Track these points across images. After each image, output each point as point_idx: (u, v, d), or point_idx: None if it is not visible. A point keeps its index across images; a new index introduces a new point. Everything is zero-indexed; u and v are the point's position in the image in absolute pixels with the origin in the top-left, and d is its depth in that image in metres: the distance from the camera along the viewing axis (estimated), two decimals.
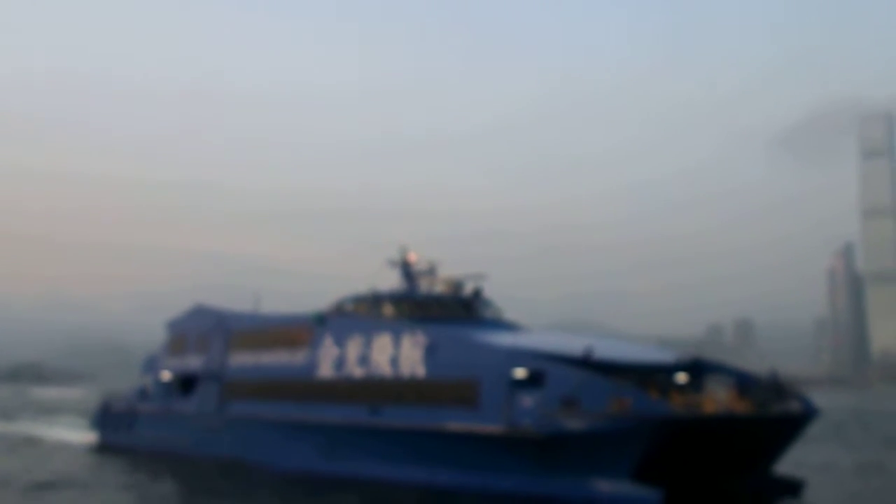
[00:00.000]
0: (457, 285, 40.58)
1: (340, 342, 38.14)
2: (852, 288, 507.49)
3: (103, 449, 52.25)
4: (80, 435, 57.59)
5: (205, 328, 47.60)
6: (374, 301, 39.68)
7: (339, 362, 37.83)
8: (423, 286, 41.40)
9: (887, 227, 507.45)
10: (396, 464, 34.40)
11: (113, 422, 53.41)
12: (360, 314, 39.51)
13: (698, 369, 32.83)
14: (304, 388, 39.43)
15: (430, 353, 33.98)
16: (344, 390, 37.32)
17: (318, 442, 38.01)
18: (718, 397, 30.09)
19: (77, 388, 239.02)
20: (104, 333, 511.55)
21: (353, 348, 37.33)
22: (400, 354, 35.14)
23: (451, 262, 42.35)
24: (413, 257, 41.98)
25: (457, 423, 31.87)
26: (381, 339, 36.22)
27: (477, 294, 40.49)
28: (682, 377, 32.30)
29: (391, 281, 42.33)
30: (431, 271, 41.54)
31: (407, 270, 41.59)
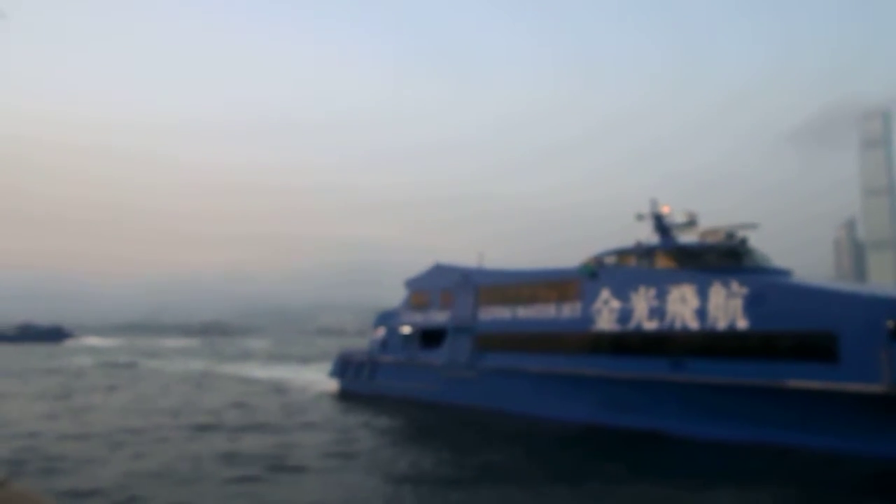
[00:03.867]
0: (728, 235, 30.56)
1: (622, 295, 28.66)
2: (854, 254, 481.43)
3: (345, 395, 44.39)
4: (321, 381, 50.27)
5: (448, 284, 38.81)
6: (644, 253, 30.05)
7: (623, 315, 28.37)
8: (682, 239, 31.53)
9: (883, 204, 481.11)
10: (706, 419, 24.94)
11: (353, 371, 45.38)
12: (630, 267, 30.05)
13: None
14: (578, 341, 30.18)
15: (754, 303, 24.14)
16: (631, 343, 27.94)
17: (598, 394, 28.79)
18: None
19: (254, 339, 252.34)
20: (269, 299, 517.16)
21: (642, 300, 27.80)
22: (708, 305, 25.47)
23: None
24: (666, 209, 32.06)
25: (805, 379, 22.10)
26: (679, 289, 26.54)
27: (744, 242, 30.39)
28: None
29: (638, 236, 32.73)
30: (692, 223, 31.58)
31: (660, 223, 31.64)
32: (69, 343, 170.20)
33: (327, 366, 52.32)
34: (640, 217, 32.60)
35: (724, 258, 28.46)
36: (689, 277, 26.33)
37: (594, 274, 30.12)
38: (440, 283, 39.51)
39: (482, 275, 36.84)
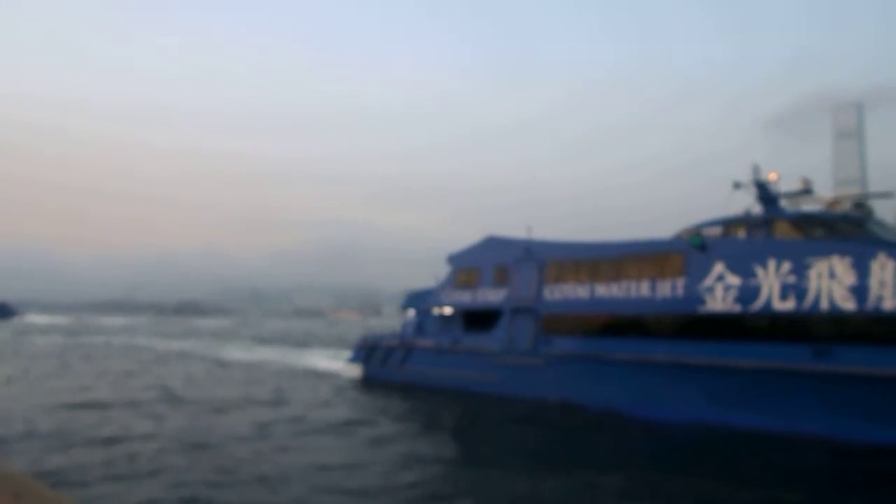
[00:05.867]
0: (856, 205, 26.14)
1: (742, 269, 23.92)
2: None
3: (369, 382, 39.34)
4: (336, 366, 45.10)
5: (504, 259, 33.77)
6: (760, 223, 25.46)
7: (744, 293, 23.64)
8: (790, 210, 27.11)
9: (855, 193, 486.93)
10: (865, 420, 20.49)
11: (380, 356, 40.25)
12: (752, 237, 25.44)
13: None
14: (681, 323, 25.46)
15: None
16: (755, 327, 23.28)
17: (709, 387, 24.16)
18: None
19: (225, 319, 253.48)
20: (245, 280, 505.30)
21: (771, 276, 23.10)
22: (870, 281, 20.85)
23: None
24: (773, 176, 27.49)
25: None
26: (827, 262, 21.88)
27: (870, 213, 26.01)
28: None
29: (734, 208, 28.29)
30: (806, 191, 27.07)
31: (765, 192, 27.06)
32: (14, 321, 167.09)
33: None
34: (737, 186, 28.10)
35: (855, 229, 23.99)
36: (842, 248, 21.67)
37: (703, 245, 25.35)
38: (493, 258, 34.43)
39: (549, 248, 31.82)
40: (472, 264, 35.74)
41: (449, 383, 34.64)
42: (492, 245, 34.91)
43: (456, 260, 37.06)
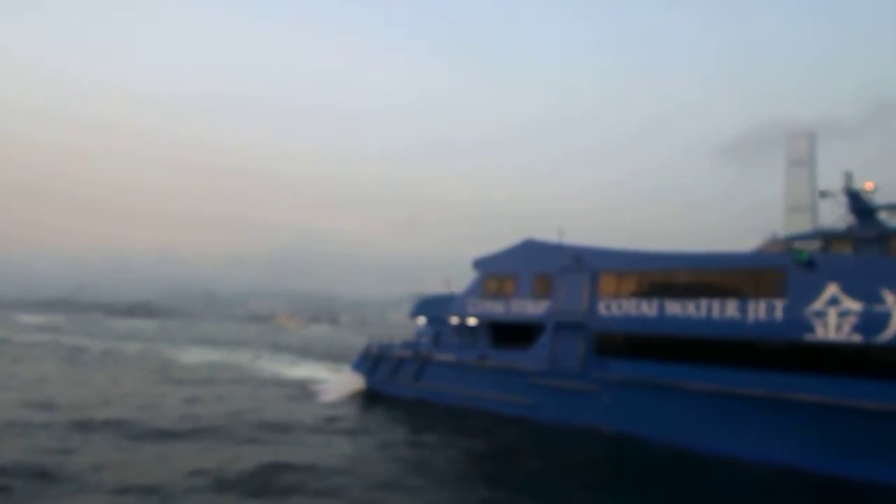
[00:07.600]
0: None
1: (865, 293, 20.17)
2: None
3: (374, 396, 34.83)
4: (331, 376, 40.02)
5: (548, 267, 29.50)
6: (874, 238, 21.92)
7: (868, 321, 19.91)
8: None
9: (805, 220, 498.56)
10: None
11: (388, 368, 35.62)
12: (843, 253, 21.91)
13: None
14: (782, 352, 21.59)
15: None
16: (884, 362, 19.55)
17: (816, 429, 20.38)
18: None
19: (174, 321, 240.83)
20: (198, 283, 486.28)
21: None
22: None
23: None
24: (870, 185, 24.04)
25: None
26: None
27: None
28: None
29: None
30: None
31: (859, 203, 23.63)
32: None
33: None
34: (824, 194, 24.71)
35: None
36: None
37: (810, 262, 21.61)
38: (533, 265, 30.15)
39: (605, 256, 27.70)
40: (505, 271, 31.39)
41: (472, 403, 30.31)
42: (531, 250, 30.62)
43: (485, 265, 32.61)
